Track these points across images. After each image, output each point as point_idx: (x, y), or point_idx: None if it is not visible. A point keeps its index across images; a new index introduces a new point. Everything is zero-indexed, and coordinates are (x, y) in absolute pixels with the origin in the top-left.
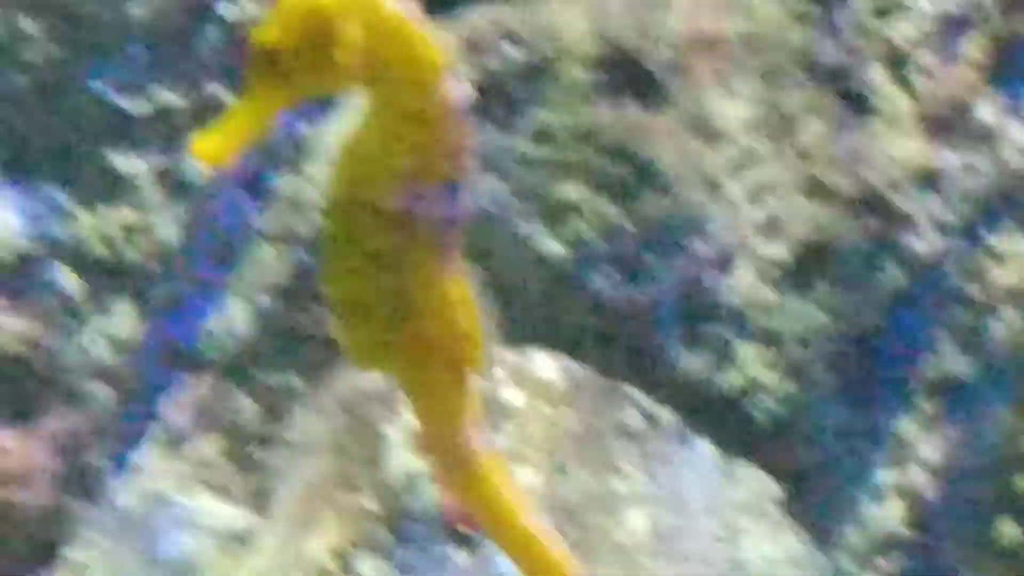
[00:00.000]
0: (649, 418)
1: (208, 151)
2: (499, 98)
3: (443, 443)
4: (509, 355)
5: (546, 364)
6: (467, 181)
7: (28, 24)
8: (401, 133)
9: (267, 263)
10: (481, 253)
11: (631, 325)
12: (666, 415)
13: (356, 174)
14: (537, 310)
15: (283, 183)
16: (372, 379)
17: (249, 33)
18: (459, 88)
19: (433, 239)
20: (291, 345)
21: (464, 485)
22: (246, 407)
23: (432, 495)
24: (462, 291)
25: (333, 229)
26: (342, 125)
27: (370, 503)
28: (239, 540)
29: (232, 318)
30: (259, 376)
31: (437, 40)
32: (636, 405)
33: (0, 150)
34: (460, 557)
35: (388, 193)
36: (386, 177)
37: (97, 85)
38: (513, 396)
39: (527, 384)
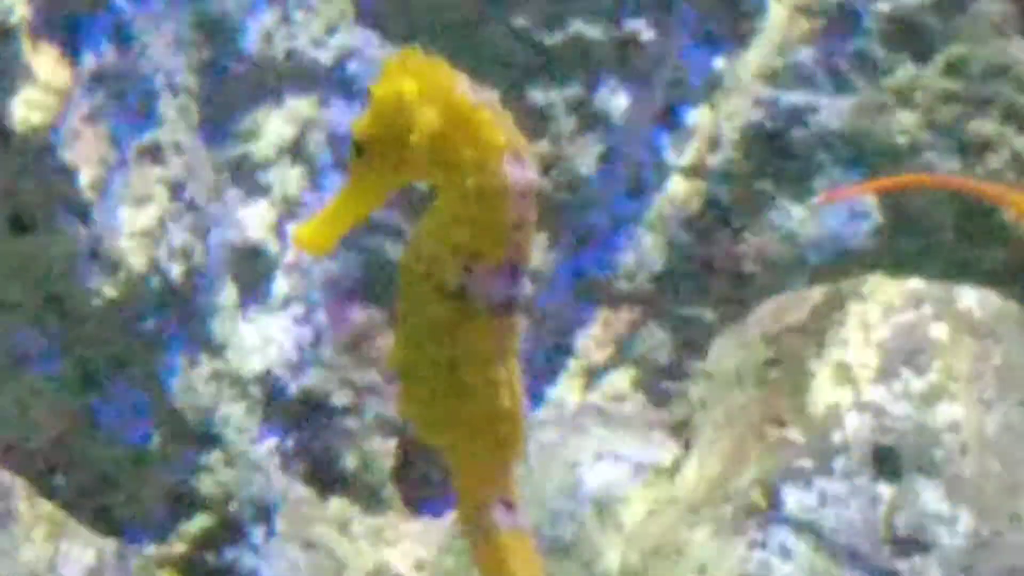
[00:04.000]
0: None
1: (310, 240)
2: (914, 32)
3: (472, 515)
4: (933, 289)
5: (969, 297)
6: (525, 265)
7: None
8: (462, 212)
9: (680, 196)
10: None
11: None
12: None
13: (424, 249)
14: (954, 245)
15: (696, 117)
16: (796, 313)
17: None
18: (521, 171)
19: (486, 319)
20: (704, 278)
21: (484, 558)
22: (660, 339)
23: (857, 427)
24: (510, 374)
25: (402, 299)
26: (758, 55)
27: (795, 435)
28: (663, 472)
29: (645, 251)
30: (672, 308)
31: (503, 124)
32: None
33: None
34: (883, 488)
35: (448, 270)
36: (448, 254)
37: (516, 20)
38: (938, 330)
39: (951, 318)
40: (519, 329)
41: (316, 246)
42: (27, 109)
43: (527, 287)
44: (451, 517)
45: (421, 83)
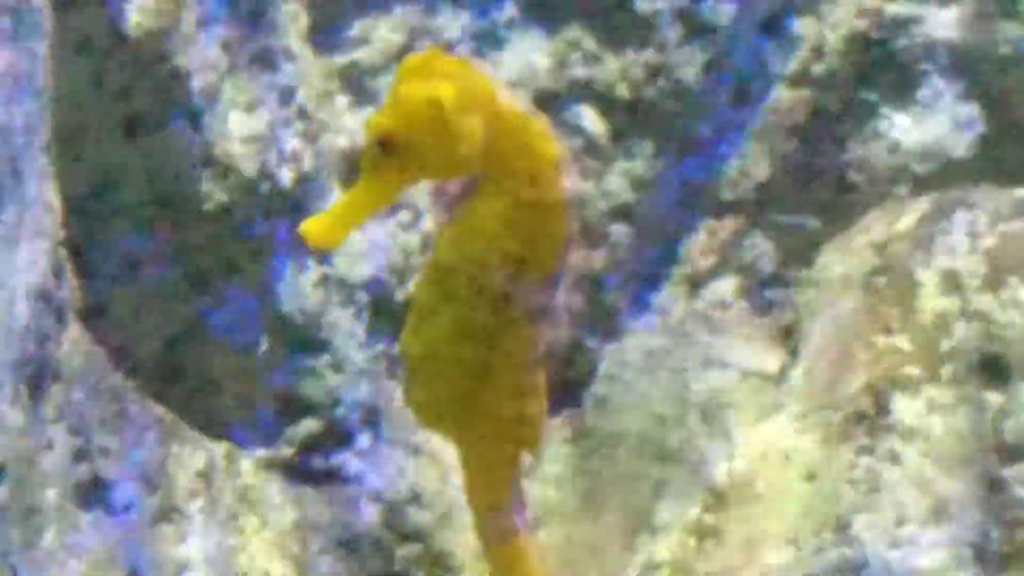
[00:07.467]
0: None
1: (319, 234)
2: None
3: (485, 513)
4: None
5: None
6: (566, 275)
7: None
8: (515, 220)
9: (784, 105)
10: None
11: None
12: None
13: (467, 247)
14: None
15: (801, 26)
16: (904, 221)
17: (367, 121)
18: (572, 183)
19: (525, 325)
20: (808, 186)
21: (494, 555)
22: (764, 247)
23: (965, 335)
24: (537, 380)
25: (430, 291)
26: None
27: (903, 343)
28: (769, 379)
29: (750, 159)
30: (776, 217)
31: (551, 134)
32: None
33: None
34: (991, 396)
35: (493, 273)
36: (495, 258)
37: None
38: None
39: None
40: (545, 335)
41: (326, 241)
42: (141, 14)
43: (561, 295)
44: (556, 422)
45: (457, 88)
